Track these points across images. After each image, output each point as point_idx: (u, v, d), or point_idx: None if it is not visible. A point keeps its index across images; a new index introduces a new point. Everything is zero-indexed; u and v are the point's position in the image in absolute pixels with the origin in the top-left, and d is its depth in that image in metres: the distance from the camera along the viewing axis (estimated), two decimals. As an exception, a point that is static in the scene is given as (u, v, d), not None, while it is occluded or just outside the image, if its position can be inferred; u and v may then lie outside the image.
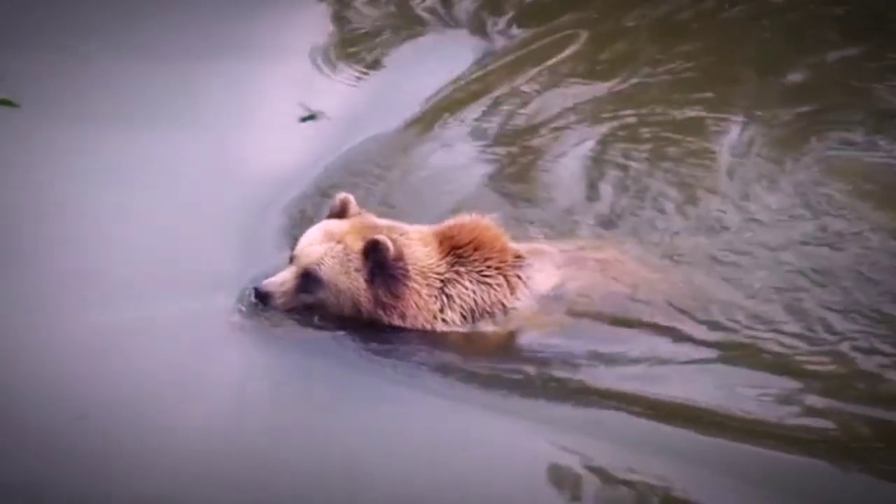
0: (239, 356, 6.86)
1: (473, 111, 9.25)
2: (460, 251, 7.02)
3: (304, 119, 8.93)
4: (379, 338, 6.96)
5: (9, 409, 6.36)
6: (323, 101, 9.09)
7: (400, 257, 6.83)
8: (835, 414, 6.64)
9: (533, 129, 9.07)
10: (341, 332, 6.97)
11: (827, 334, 7.14)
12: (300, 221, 7.61)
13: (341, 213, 7.02)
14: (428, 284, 6.91)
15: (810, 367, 6.96)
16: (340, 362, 6.91)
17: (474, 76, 9.70)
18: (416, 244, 6.95)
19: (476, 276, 7.02)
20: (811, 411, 6.66)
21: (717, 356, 7.06)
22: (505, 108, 9.26)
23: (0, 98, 5.06)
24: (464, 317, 7.02)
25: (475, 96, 9.41)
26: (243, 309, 7.00)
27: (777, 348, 7.07)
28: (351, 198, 7.05)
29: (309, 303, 6.90)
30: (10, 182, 7.72)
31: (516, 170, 8.62)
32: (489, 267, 7.04)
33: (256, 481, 6.08)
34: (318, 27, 9.90)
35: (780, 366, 6.95)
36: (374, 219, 7.07)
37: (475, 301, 6.99)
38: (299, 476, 6.14)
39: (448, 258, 7.01)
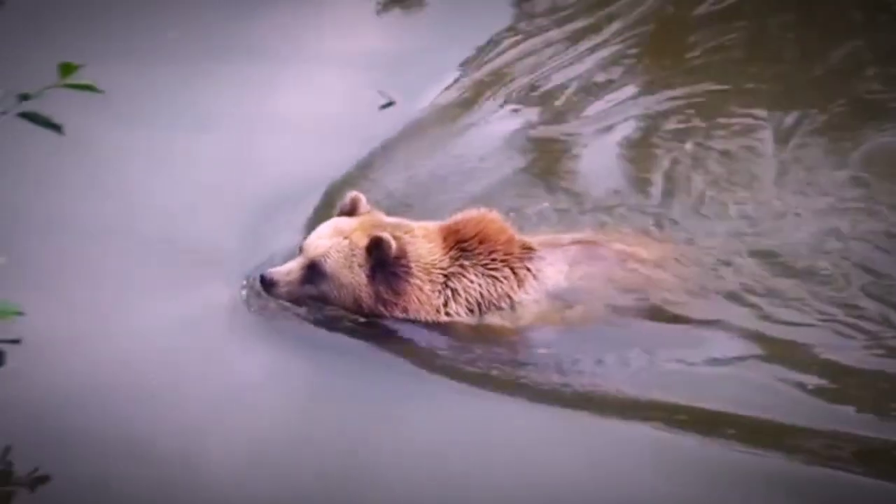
0: (237, 355, 7.04)
1: (511, 94, 9.32)
2: (465, 244, 7.16)
3: (383, 106, 9.08)
4: (386, 330, 7.13)
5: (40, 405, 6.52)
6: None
7: (402, 255, 7.03)
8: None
9: (571, 110, 9.12)
10: (347, 325, 7.17)
11: (883, 327, 7.07)
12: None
13: (352, 210, 7.24)
14: (431, 280, 7.10)
15: (854, 366, 6.87)
16: (349, 356, 7.08)
17: (516, 55, 9.74)
18: (421, 241, 7.13)
19: (481, 269, 7.16)
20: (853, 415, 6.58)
21: (740, 357, 6.94)
22: (543, 91, 9.30)
23: (84, 83, 4.67)
24: (470, 310, 7.17)
25: (512, 78, 9.47)
26: (244, 295, 7.28)
27: (816, 344, 7.00)
28: (361, 196, 7.25)
29: (312, 294, 7.11)
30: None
31: (555, 154, 8.66)
32: (494, 259, 7.16)
33: (274, 482, 6.22)
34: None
35: (815, 364, 6.88)
36: (382, 217, 7.25)
37: (481, 294, 7.14)
38: (316, 476, 6.27)
39: (452, 252, 7.16)
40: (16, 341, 5.25)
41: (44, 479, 6.26)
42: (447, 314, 7.14)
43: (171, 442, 6.42)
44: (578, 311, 7.16)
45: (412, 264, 7.06)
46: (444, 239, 7.17)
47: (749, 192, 8.12)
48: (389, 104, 9.18)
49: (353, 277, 7.04)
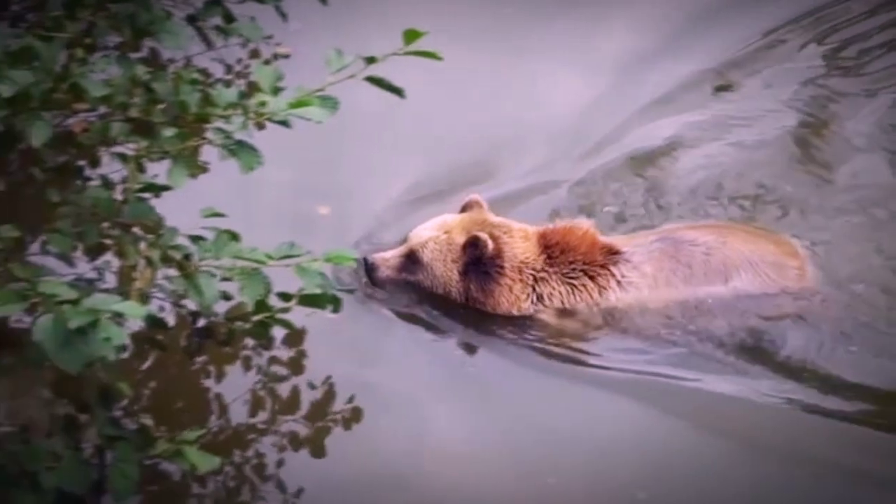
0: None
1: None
2: (551, 251, 7.43)
3: (718, 89, 9.05)
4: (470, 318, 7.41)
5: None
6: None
7: (498, 254, 7.33)
8: None
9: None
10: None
11: None
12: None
13: (466, 211, 7.58)
14: (521, 280, 7.38)
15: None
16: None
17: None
18: (518, 241, 7.41)
19: (562, 276, 7.41)
20: None
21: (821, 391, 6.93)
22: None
23: (426, 51, 4.85)
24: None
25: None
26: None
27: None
28: (479, 198, 7.55)
29: (409, 281, 7.45)
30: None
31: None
32: (574, 269, 7.39)
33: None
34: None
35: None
36: (489, 216, 7.52)
37: (562, 301, 7.41)
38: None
39: (543, 257, 7.42)
40: (351, 291, 5.55)
41: (357, 414, 6.69)
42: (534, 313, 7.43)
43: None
44: (656, 315, 7.35)
45: (506, 264, 7.35)
46: (538, 242, 7.43)
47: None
48: (725, 87, 9.09)
49: (446, 271, 7.39)
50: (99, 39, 5.03)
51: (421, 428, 6.76)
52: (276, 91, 5.12)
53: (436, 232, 7.42)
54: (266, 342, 5.48)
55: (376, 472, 6.49)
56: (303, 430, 6.64)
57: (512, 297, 7.37)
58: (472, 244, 7.31)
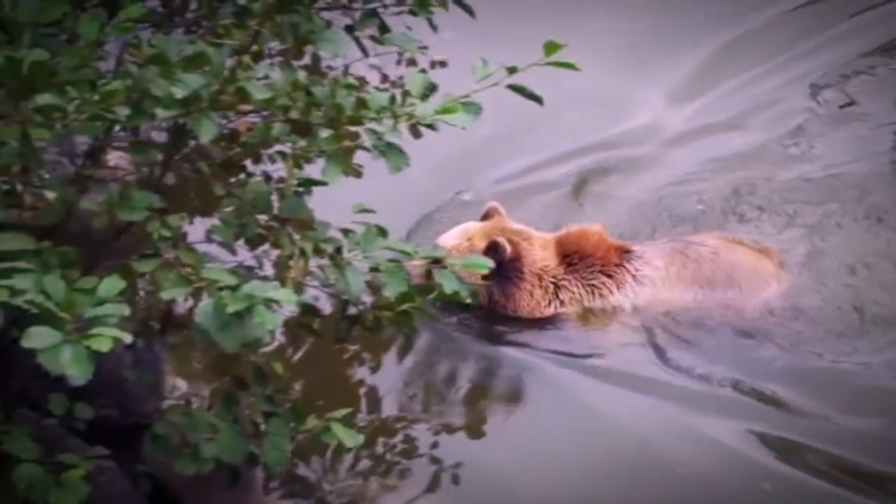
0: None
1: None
2: (569, 258, 7.77)
3: (843, 106, 9.07)
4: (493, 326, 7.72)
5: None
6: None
7: (517, 259, 7.69)
8: None
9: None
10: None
11: None
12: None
13: (487, 218, 7.94)
14: (542, 286, 7.73)
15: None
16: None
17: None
18: (537, 248, 7.80)
19: (581, 281, 7.73)
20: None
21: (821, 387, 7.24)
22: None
23: (565, 62, 5.07)
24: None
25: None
26: None
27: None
28: (497, 206, 7.90)
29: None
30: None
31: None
32: (592, 271, 7.73)
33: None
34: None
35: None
36: (509, 223, 7.87)
37: (582, 305, 7.73)
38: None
39: (562, 264, 7.76)
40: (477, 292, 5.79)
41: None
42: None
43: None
44: (671, 308, 7.67)
45: (525, 269, 7.71)
46: (556, 251, 7.77)
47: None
48: (850, 104, 9.09)
49: (469, 276, 7.36)
50: (264, 47, 5.37)
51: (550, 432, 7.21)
52: (426, 97, 5.41)
53: (458, 240, 7.79)
54: (409, 332, 5.78)
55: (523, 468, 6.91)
56: (456, 421, 6.95)
57: (533, 302, 7.75)
58: (492, 249, 7.63)
